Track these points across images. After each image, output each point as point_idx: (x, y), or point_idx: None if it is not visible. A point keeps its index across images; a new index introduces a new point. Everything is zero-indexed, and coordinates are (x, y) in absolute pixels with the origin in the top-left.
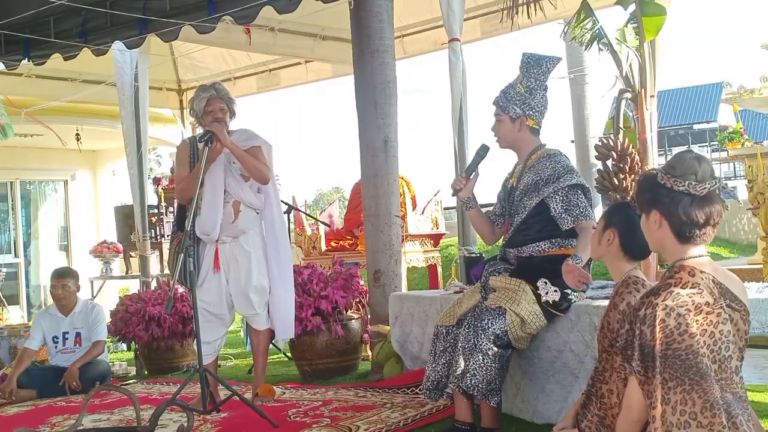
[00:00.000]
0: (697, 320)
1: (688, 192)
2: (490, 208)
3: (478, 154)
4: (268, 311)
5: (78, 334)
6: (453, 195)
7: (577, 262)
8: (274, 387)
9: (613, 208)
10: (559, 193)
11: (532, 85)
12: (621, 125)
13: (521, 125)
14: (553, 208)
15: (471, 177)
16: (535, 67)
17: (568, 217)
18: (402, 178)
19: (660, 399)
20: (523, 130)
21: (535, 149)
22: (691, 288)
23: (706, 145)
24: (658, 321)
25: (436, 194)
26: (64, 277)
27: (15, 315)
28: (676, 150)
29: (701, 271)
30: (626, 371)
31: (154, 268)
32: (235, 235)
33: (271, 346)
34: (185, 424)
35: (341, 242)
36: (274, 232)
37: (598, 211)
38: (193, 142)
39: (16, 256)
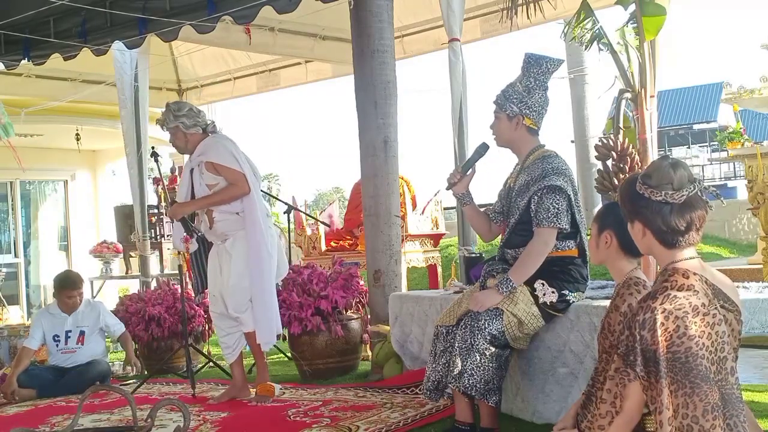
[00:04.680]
0: (695, 322)
1: (666, 201)
2: (490, 206)
3: (477, 151)
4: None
5: (82, 333)
6: (447, 189)
7: (510, 287)
8: (275, 386)
9: (605, 209)
10: (538, 193)
11: (531, 85)
12: (621, 125)
13: (518, 124)
14: (531, 208)
15: (467, 173)
16: (535, 66)
17: (535, 219)
18: (402, 178)
19: (666, 403)
20: (519, 129)
21: (533, 150)
22: (687, 290)
23: (706, 145)
24: (658, 325)
25: (436, 194)
26: (78, 286)
27: (15, 315)
28: (676, 150)
29: (694, 273)
30: (629, 376)
31: (154, 268)
32: (221, 239)
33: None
34: (181, 425)
35: (341, 242)
36: (255, 234)
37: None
38: None
39: (16, 256)
